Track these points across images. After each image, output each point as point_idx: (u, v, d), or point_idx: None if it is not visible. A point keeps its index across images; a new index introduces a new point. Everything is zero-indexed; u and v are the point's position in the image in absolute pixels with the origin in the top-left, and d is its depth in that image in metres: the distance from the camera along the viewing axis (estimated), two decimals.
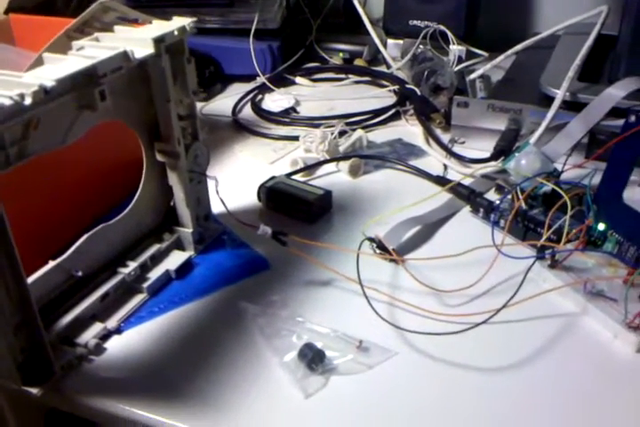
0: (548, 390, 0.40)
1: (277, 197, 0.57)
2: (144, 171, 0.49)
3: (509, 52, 0.80)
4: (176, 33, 0.45)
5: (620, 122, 0.59)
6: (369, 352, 0.42)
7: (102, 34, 0.44)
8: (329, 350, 0.42)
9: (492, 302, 0.44)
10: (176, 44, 0.46)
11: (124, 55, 0.41)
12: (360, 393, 0.40)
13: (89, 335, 0.44)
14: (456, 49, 0.84)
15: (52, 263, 0.44)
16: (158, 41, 0.43)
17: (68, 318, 0.44)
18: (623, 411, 0.38)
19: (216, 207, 0.54)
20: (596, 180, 0.51)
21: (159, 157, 0.49)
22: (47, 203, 0.49)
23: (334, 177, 0.63)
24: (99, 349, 0.43)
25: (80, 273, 0.45)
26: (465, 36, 0.86)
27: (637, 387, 0.40)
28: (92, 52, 0.41)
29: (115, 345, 0.44)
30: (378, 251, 0.51)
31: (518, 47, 0.80)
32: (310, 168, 0.63)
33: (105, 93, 0.40)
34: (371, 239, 0.50)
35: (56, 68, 0.38)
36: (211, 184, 0.52)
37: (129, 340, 0.45)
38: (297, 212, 0.56)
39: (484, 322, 0.42)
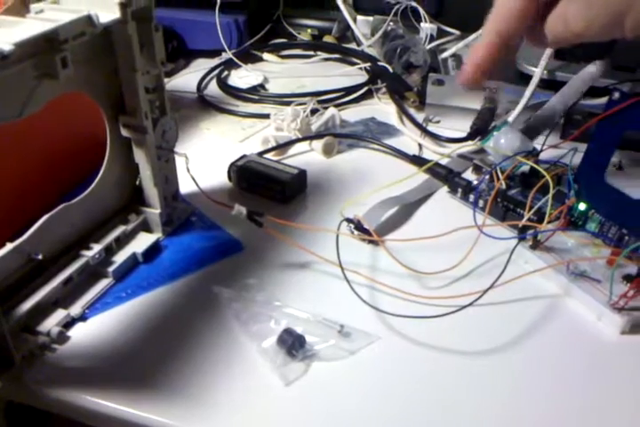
0: (532, 372, 0.39)
1: (249, 176, 0.55)
2: (108, 147, 0.46)
3: (482, 30, 0.78)
4: None
5: (597, 101, 0.58)
6: (351, 337, 0.41)
7: None
8: (309, 336, 0.40)
9: (473, 285, 0.43)
10: (143, 10, 0.42)
11: (88, 19, 0.38)
12: (342, 379, 0.38)
13: (51, 323, 0.41)
14: (427, 27, 0.82)
15: (9, 246, 0.40)
16: (125, 5, 0.40)
17: (28, 305, 0.40)
18: (608, 392, 0.38)
19: (184, 187, 0.51)
20: (576, 160, 0.50)
21: (124, 132, 0.46)
22: (2, 181, 0.45)
23: (307, 156, 0.61)
24: (62, 337, 0.41)
25: (40, 256, 0.42)
26: (436, 14, 0.84)
27: (622, 369, 0.39)
28: (52, 15, 0.38)
29: (79, 333, 0.41)
30: (356, 232, 0.49)
31: None
32: (282, 147, 0.61)
33: (67, 60, 0.37)
34: (349, 220, 0.48)
35: (12, 32, 0.35)
36: (179, 162, 0.49)
37: (94, 327, 0.42)
38: (270, 192, 0.54)
39: (469, 304, 0.41)
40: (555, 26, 0.35)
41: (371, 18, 0.85)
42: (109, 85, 0.44)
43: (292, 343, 0.39)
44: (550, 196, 0.47)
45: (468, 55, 0.40)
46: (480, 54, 0.38)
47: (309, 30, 0.87)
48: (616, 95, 0.45)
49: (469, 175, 0.56)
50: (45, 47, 0.36)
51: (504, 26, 0.36)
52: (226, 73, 0.79)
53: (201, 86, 0.75)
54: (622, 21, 0.32)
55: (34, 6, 0.39)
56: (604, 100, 0.47)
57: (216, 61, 0.80)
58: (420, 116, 0.67)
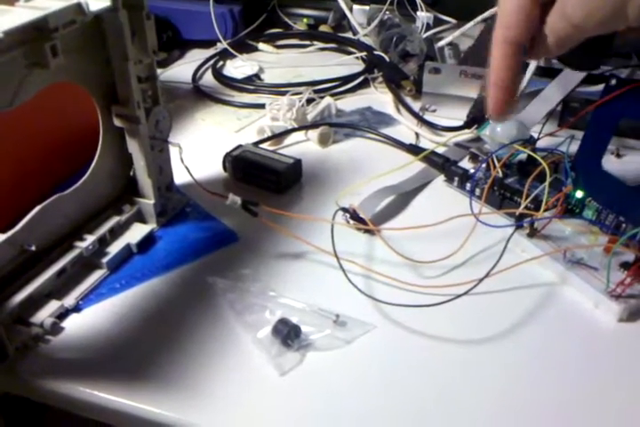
0: (529, 361, 0.39)
1: (244, 166, 0.54)
2: (100, 138, 0.46)
3: (478, 18, 0.78)
4: None
5: (594, 88, 0.58)
6: (346, 326, 0.40)
7: None
8: (305, 326, 0.40)
9: (470, 273, 0.42)
10: None
11: (78, 7, 0.38)
12: (338, 369, 0.38)
13: (45, 314, 0.40)
14: (424, 16, 0.82)
15: (1, 237, 0.40)
16: None
17: (21, 296, 0.40)
18: (605, 380, 0.38)
19: (179, 177, 0.51)
20: (573, 147, 0.50)
21: (117, 122, 0.45)
22: None
23: (303, 146, 0.61)
24: (55, 328, 0.40)
25: (33, 247, 0.42)
26: (433, 3, 0.84)
27: (620, 356, 0.39)
28: (41, 3, 0.37)
29: (73, 324, 0.41)
30: (352, 221, 0.48)
31: (487, 14, 0.78)
32: (278, 137, 0.60)
33: (57, 49, 0.36)
34: (344, 209, 0.48)
35: (1, 20, 0.35)
36: (173, 153, 0.49)
37: (88, 318, 0.42)
38: (265, 182, 0.54)
39: (465, 293, 0.40)
40: (555, 22, 0.34)
41: (367, 7, 0.85)
42: (101, 75, 0.44)
43: (288, 333, 0.39)
44: (547, 184, 0.47)
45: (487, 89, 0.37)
46: (498, 67, 0.36)
47: (305, 20, 0.87)
48: (613, 82, 0.45)
49: (466, 164, 0.56)
50: (35, 35, 0.36)
51: (511, 32, 0.35)
52: (221, 63, 0.78)
53: (196, 77, 0.75)
54: (624, 11, 0.32)
55: None
56: (600, 86, 0.46)
57: (211, 52, 0.80)
58: (416, 105, 0.67)
